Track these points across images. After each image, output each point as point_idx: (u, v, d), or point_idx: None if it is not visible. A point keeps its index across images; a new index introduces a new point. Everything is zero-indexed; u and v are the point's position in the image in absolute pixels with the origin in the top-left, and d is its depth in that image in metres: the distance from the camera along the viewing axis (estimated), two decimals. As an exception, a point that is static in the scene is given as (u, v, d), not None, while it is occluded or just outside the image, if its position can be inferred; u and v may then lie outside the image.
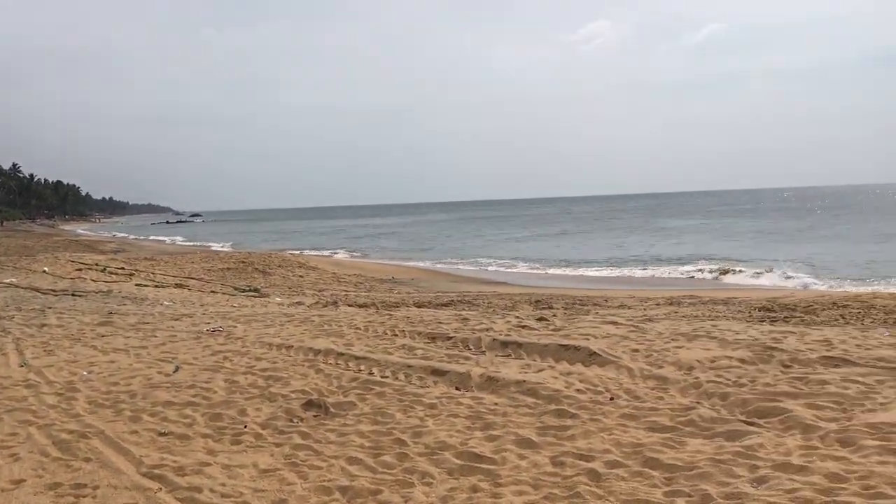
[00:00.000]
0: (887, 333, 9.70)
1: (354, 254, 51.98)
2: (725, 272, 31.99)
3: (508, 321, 11.64)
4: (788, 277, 29.44)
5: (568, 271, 36.12)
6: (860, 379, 7.03)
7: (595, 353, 8.52)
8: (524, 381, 7.55)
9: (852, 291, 21.27)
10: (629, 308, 17.18)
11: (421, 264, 41.26)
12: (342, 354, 9.30)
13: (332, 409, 7.14)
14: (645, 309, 16.91)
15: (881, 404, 6.28)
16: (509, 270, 37.25)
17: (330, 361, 9.09)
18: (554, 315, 13.56)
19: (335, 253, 51.77)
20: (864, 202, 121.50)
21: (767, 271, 31.50)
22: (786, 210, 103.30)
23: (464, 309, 16.66)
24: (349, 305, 17.64)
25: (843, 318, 14.14)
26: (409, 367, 8.49)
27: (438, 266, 40.36)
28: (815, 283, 27.32)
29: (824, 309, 15.67)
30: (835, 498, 4.55)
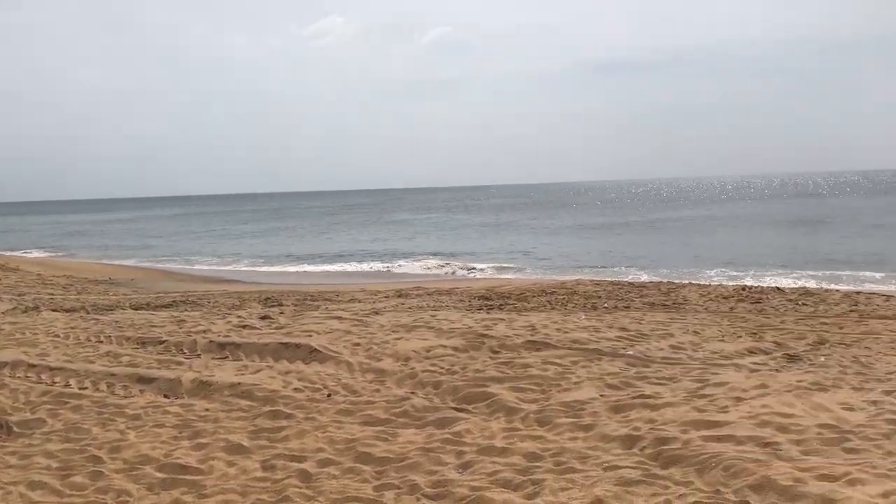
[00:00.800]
0: (584, 317, 10.63)
1: (59, 252, 47.24)
2: (452, 265, 33.57)
3: (230, 321, 11.16)
4: (506, 267, 31.57)
5: (291, 268, 35.70)
6: (558, 361, 7.59)
7: (316, 349, 8.40)
8: (239, 383, 7.22)
9: (559, 279, 23.24)
10: (359, 302, 17.31)
11: (139, 263, 38.66)
12: (34, 366, 8.30)
13: (15, 429, 6.32)
14: (374, 302, 17.15)
15: (574, 383, 6.81)
16: (228, 268, 36.00)
17: (18, 375, 8.07)
18: (281, 312, 13.25)
19: (27, 253, 46.25)
20: (581, 198, 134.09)
21: (488, 262, 33.56)
22: (511, 205, 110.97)
23: (186, 310, 15.75)
24: (54, 310, 15.94)
25: (550, 303, 15.32)
26: (113, 375, 7.78)
27: (158, 264, 38.05)
28: (529, 272, 29.55)
29: (534, 296, 16.89)
30: (531, 476, 4.80)
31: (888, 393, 6.20)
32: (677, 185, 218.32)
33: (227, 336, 9.57)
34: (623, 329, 9.53)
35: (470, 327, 9.59)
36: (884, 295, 15.80)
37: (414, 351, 8.22)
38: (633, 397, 6.26)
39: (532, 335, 8.84)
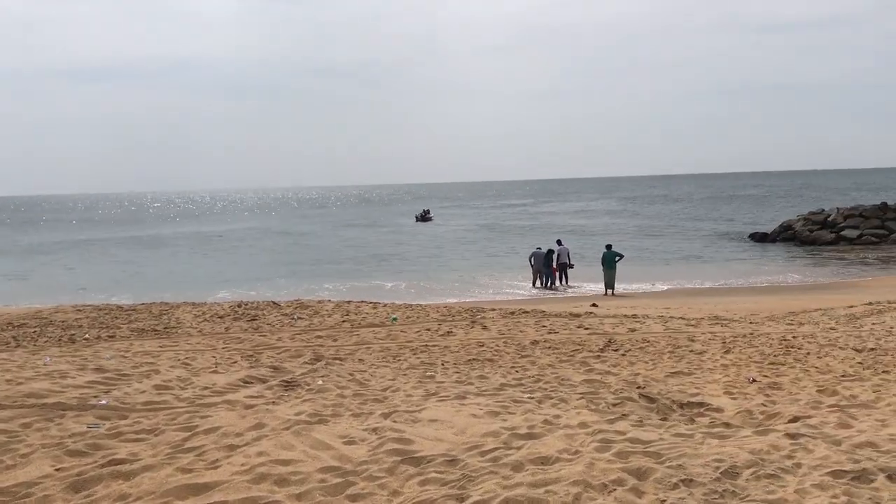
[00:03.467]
0: (50, 359, 8.71)
1: None
2: None
3: None
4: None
5: None
6: (3, 426, 5.77)
7: None
8: None
9: (35, 307, 20.00)
10: None
11: None
12: None
13: None
14: None
15: (23, 456, 5.13)
16: None
17: None
18: None
19: None
20: (50, 214, 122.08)
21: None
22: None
23: None
24: None
25: (17, 339, 12.75)
26: None
27: None
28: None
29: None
30: None
31: (387, 416, 5.89)
32: (162, 198, 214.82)
33: None
34: (98, 370, 7.91)
35: None
36: (370, 303, 16.67)
37: None
38: (103, 465, 4.89)
39: (-34, 394, 6.73)
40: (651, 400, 6.83)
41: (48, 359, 8.70)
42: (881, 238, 39.00)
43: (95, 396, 6.58)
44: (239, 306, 15.89)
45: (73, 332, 13.28)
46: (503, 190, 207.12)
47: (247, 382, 7.41)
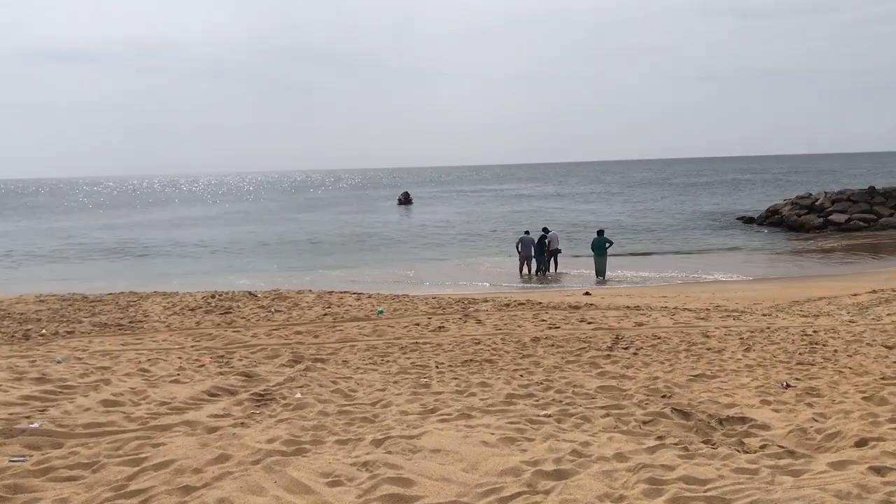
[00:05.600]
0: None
1: None
2: None
3: None
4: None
5: None
6: None
7: None
8: None
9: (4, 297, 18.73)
10: None
11: None
12: None
13: None
14: None
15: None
16: None
17: None
18: None
19: None
20: (30, 199, 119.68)
21: None
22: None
23: None
24: None
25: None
26: None
27: None
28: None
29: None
30: None
31: (379, 443, 4.85)
32: (140, 184, 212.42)
33: None
34: (39, 380, 6.77)
35: None
36: (354, 293, 15.61)
37: None
38: (18, 517, 3.85)
39: None
40: (685, 415, 5.86)
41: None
42: (869, 223, 38.33)
43: (27, 417, 5.48)
44: (213, 297, 14.76)
45: (29, 326, 12.11)
46: (467, 174, 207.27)
47: (212, 395, 6.33)
